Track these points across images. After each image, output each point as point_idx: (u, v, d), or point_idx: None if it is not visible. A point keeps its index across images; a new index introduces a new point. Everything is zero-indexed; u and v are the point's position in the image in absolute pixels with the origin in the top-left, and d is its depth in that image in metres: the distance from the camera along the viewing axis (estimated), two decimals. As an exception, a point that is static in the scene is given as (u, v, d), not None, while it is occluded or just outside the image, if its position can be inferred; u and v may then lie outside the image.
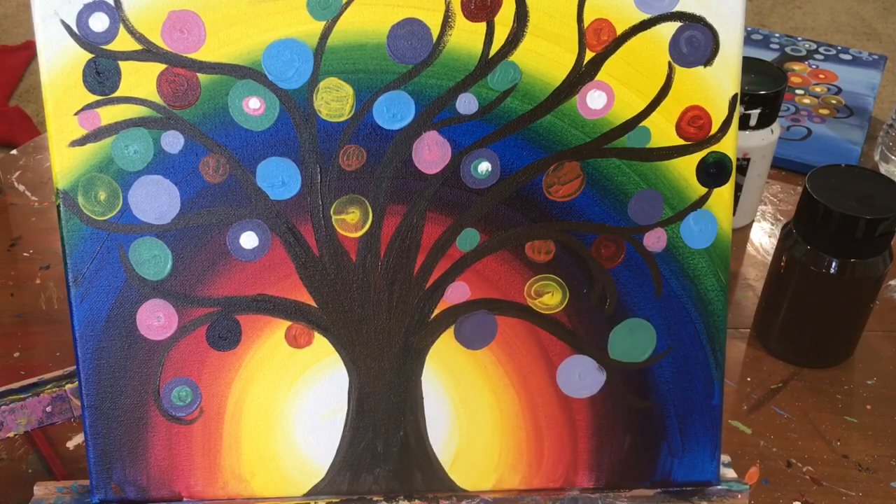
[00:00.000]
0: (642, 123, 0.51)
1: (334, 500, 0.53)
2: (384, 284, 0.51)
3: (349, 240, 0.51)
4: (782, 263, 0.68)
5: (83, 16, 0.47)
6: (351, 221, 0.51)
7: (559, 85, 0.50)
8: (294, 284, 0.51)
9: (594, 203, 0.51)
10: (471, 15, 0.49)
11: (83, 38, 0.48)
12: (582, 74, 0.50)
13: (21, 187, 0.87)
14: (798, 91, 1.06)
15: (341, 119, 0.49)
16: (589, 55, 0.50)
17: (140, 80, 0.48)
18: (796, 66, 1.11)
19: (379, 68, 0.49)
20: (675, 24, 0.50)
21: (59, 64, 0.48)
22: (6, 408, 0.54)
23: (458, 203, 0.51)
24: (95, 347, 0.50)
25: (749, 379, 0.70)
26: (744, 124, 0.79)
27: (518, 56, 0.49)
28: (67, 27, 0.47)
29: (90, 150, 0.49)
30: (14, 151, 0.92)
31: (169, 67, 0.48)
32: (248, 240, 0.50)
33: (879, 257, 0.66)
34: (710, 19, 0.50)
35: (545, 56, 0.50)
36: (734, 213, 0.82)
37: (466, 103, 0.50)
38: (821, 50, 1.14)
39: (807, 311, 0.69)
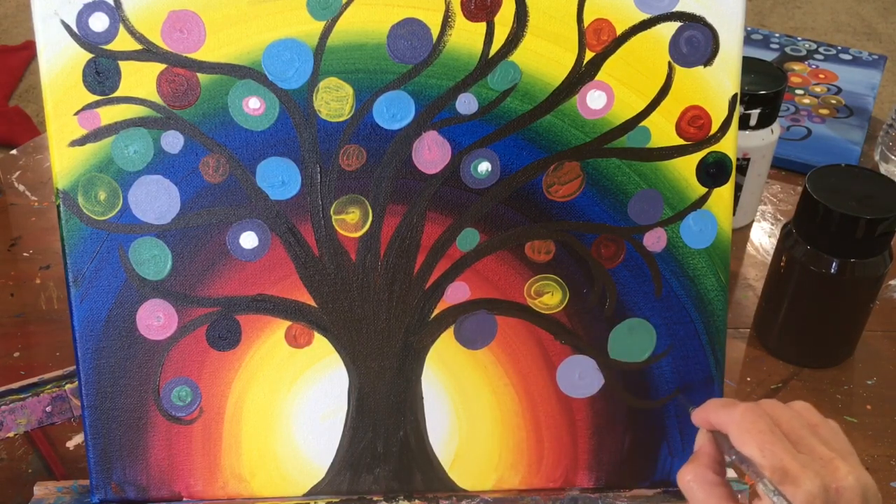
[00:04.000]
0: (642, 123, 0.51)
1: (334, 500, 0.53)
2: (384, 284, 0.51)
3: (349, 240, 0.51)
4: (782, 263, 0.68)
5: (83, 16, 0.47)
6: (351, 221, 0.51)
7: (559, 85, 0.50)
8: (294, 284, 0.51)
9: (594, 203, 0.51)
10: (471, 15, 0.49)
11: (83, 38, 0.48)
12: (582, 74, 0.50)
13: (21, 187, 0.87)
14: (798, 91, 1.06)
15: (341, 119, 0.49)
16: (589, 55, 0.50)
17: (140, 80, 0.48)
18: (796, 66, 1.11)
19: (379, 68, 0.49)
20: (675, 24, 0.50)
21: (59, 64, 0.48)
22: (6, 408, 0.54)
23: (458, 203, 0.51)
24: (95, 347, 0.50)
25: (749, 379, 0.70)
26: (744, 124, 0.79)
27: (518, 56, 0.49)
28: (67, 27, 0.47)
29: (90, 150, 0.49)
30: (14, 151, 0.92)
31: (169, 67, 0.48)
32: (248, 240, 0.50)
33: (879, 257, 0.65)
34: (710, 19, 0.50)
35: (545, 56, 0.50)
36: (734, 213, 0.82)
37: (466, 103, 0.50)
38: (821, 50, 1.14)
39: (807, 311, 0.69)
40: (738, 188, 0.83)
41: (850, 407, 0.68)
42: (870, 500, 0.41)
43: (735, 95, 0.51)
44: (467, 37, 0.49)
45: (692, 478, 0.44)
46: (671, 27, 0.50)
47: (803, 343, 0.71)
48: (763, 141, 0.80)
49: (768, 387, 0.70)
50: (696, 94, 0.50)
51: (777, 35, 1.17)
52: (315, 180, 0.50)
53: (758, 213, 0.88)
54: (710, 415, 0.45)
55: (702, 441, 0.46)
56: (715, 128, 0.51)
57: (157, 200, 0.49)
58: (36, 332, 0.72)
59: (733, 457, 0.43)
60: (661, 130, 0.51)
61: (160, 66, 0.48)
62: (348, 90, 0.49)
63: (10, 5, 2.51)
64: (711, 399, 0.46)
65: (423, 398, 0.53)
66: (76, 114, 0.48)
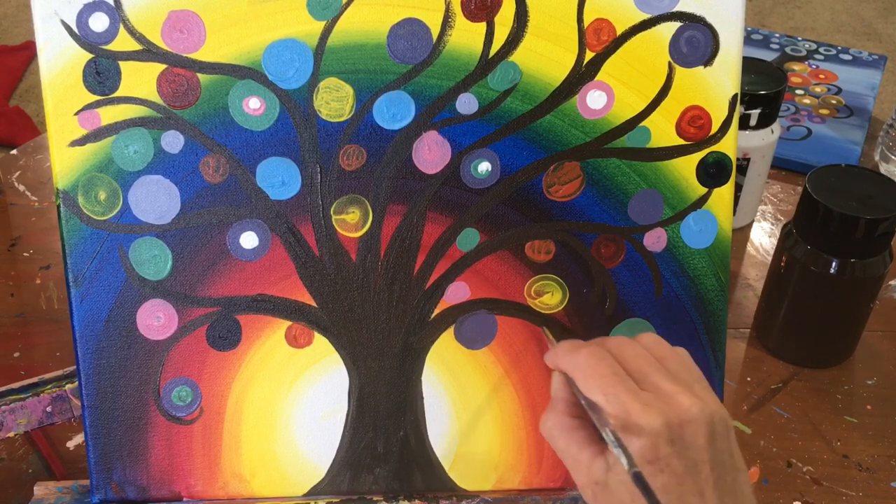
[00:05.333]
0: (642, 123, 0.51)
1: (334, 500, 0.53)
2: (384, 284, 0.51)
3: (349, 240, 0.51)
4: (782, 263, 0.68)
5: (83, 16, 0.47)
6: (351, 221, 0.51)
7: (559, 85, 0.50)
8: (294, 284, 0.51)
9: (594, 203, 0.51)
10: (471, 15, 0.49)
11: (83, 38, 0.48)
12: (582, 74, 0.50)
13: (21, 187, 0.87)
14: (798, 91, 1.06)
15: (341, 119, 0.49)
16: (589, 55, 0.50)
17: (140, 80, 0.48)
18: (796, 66, 1.11)
19: (379, 68, 0.49)
20: (675, 24, 0.50)
21: (59, 64, 0.48)
22: (6, 408, 0.54)
23: (458, 203, 0.51)
24: (95, 347, 0.50)
25: (749, 379, 0.70)
26: (744, 124, 0.79)
27: (518, 56, 0.49)
28: (67, 27, 0.47)
29: (90, 150, 0.49)
30: (14, 151, 0.92)
31: (169, 67, 0.48)
32: (248, 240, 0.50)
33: (879, 257, 0.65)
34: (710, 19, 0.50)
35: (545, 56, 0.50)
36: (734, 213, 0.82)
37: (466, 103, 0.50)
38: (821, 50, 1.14)
39: (807, 311, 0.69)
40: (738, 188, 0.83)
41: (850, 407, 0.68)
42: (717, 427, 0.40)
43: (735, 95, 0.51)
44: (467, 37, 0.49)
45: (552, 424, 0.43)
46: (671, 27, 0.50)
47: (803, 343, 0.71)
48: (763, 141, 0.80)
49: (768, 387, 0.70)
50: (696, 94, 0.50)
51: (777, 35, 1.17)
52: (315, 180, 0.50)
53: (758, 213, 0.88)
54: (558, 360, 0.44)
55: (557, 385, 0.44)
56: (715, 128, 0.51)
57: (157, 200, 0.49)
58: (36, 332, 0.72)
59: (583, 401, 0.42)
60: (662, 130, 0.51)
61: (160, 67, 0.48)
62: (348, 90, 0.49)
63: (10, 5, 2.51)
64: (562, 341, 0.45)
65: (423, 398, 0.53)
66: (76, 114, 0.48)
